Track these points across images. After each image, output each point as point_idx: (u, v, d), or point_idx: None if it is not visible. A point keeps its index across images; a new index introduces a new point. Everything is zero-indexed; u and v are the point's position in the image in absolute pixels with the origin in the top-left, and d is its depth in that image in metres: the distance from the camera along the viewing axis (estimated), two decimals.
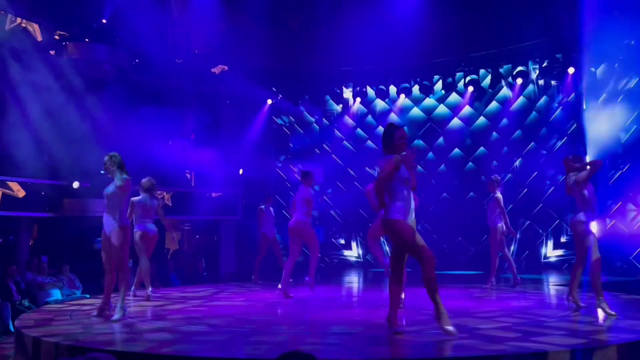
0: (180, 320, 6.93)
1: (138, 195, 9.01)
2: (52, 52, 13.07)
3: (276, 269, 12.37)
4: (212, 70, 15.59)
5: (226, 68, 15.73)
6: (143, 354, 5.08)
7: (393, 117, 16.73)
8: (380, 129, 16.70)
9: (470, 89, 15.61)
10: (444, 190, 15.99)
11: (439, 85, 16.10)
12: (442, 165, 16.23)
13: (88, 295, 10.34)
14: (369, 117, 17.02)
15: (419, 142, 16.45)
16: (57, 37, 13.17)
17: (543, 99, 15.15)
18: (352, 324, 6.64)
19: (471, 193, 15.65)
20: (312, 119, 17.36)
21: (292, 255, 8.90)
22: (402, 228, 5.47)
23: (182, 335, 5.95)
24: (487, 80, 15.62)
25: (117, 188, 6.87)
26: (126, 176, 6.89)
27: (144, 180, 9.08)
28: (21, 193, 11.96)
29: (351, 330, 6.24)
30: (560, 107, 14.83)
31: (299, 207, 8.76)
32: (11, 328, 8.86)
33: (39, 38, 12.81)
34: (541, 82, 15.09)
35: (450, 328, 5.46)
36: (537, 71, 14.98)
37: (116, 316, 6.87)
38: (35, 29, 12.80)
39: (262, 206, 11.80)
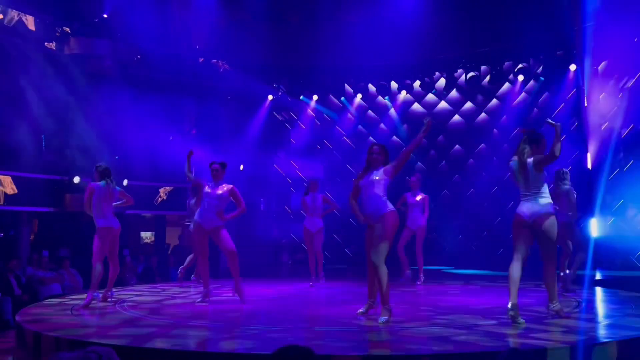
0: (181, 315, 6.94)
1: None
2: (52, 46, 13.05)
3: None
4: (213, 61, 15.54)
5: (227, 67, 15.71)
6: (142, 349, 5.09)
7: (393, 113, 16.73)
8: (383, 126, 16.71)
9: (472, 85, 15.60)
10: (444, 187, 15.99)
11: (440, 82, 16.08)
12: (443, 162, 16.23)
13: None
14: (370, 113, 17.01)
15: None
16: (58, 33, 13.13)
17: (544, 96, 15.12)
18: (351, 319, 6.64)
19: (471, 190, 15.64)
20: (313, 115, 17.35)
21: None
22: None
23: (182, 330, 5.96)
24: (488, 77, 15.59)
25: None
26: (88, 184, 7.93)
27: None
28: (11, 190, 11.92)
29: (350, 325, 6.24)
30: (562, 104, 14.78)
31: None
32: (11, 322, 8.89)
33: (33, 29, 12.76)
34: (542, 78, 15.06)
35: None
36: (540, 68, 14.95)
37: (83, 303, 7.55)
38: (29, 21, 12.74)
39: (306, 197, 10.62)
